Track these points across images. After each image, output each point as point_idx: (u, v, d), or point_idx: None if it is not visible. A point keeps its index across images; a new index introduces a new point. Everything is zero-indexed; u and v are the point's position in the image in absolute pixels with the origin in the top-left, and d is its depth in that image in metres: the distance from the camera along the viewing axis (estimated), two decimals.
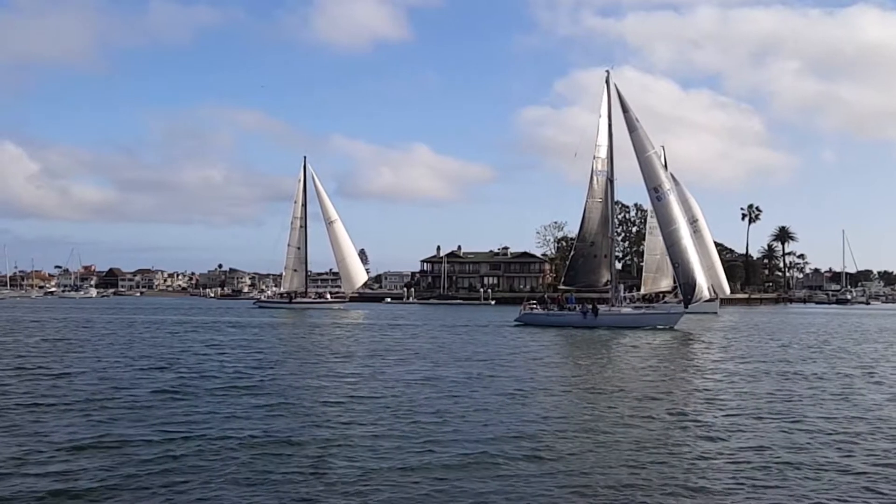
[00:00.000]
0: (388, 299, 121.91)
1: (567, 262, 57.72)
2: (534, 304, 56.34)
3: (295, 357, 29.37)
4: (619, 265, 72.69)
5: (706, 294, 49.64)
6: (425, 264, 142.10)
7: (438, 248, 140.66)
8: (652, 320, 49.08)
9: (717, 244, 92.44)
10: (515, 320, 53.12)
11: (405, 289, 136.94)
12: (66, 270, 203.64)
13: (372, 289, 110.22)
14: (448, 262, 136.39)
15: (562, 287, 55.64)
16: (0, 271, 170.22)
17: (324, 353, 31.22)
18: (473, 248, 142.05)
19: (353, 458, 12.01)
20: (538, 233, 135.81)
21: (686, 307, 48.56)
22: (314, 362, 27.17)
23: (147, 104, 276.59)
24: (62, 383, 20.81)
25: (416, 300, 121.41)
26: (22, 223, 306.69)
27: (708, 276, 50.48)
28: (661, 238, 52.53)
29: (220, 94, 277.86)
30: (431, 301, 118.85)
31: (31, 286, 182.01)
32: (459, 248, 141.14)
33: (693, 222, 67.93)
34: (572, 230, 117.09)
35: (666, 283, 66.69)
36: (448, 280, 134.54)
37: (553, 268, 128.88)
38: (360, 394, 19.07)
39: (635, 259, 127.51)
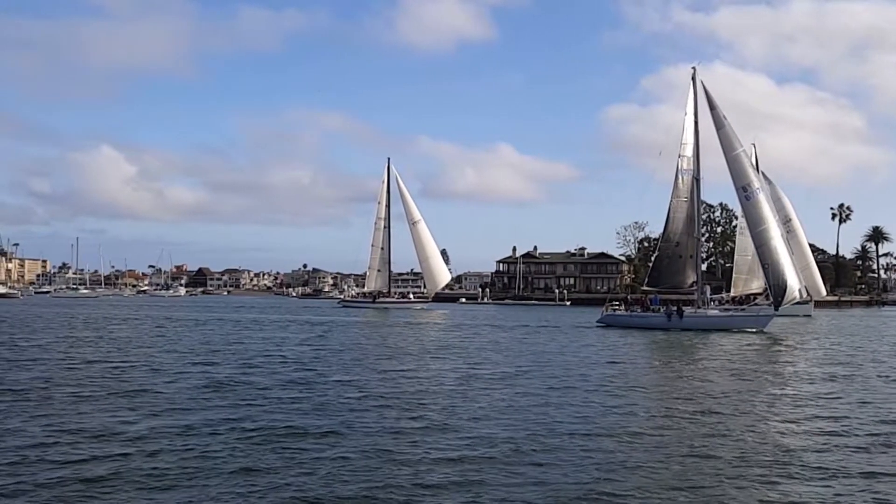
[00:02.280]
0: (463, 299, 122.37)
1: (650, 263, 56.91)
2: (616, 305, 55.74)
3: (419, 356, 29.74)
4: (703, 266, 70.97)
5: (797, 295, 47.93)
6: (500, 265, 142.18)
7: (514, 248, 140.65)
8: (740, 323, 47.71)
9: (810, 245, 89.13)
10: (597, 321, 52.57)
11: (480, 289, 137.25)
12: (159, 270, 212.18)
13: (452, 289, 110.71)
14: (524, 263, 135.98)
15: (645, 288, 54.78)
16: (97, 270, 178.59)
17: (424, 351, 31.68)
18: (550, 248, 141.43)
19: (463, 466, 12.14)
20: (618, 233, 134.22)
21: (776, 309, 47.05)
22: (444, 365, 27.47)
23: (237, 108, 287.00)
24: (115, 373, 22.54)
25: (490, 301, 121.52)
26: (119, 224, 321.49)
27: (801, 278, 48.77)
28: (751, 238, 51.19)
29: (308, 97, 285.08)
30: (506, 302, 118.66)
31: (125, 285, 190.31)
32: (535, 248, 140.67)
33: (786, 222, 65.93)
34: (654, 230, 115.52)
35: (757, 285, 64.72)
36: (523, 281, 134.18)
37: (632, 269, 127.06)
38: (470, 393, 19.39)
39: (720, 260, 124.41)
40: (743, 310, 51.52)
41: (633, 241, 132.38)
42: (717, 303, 55.27)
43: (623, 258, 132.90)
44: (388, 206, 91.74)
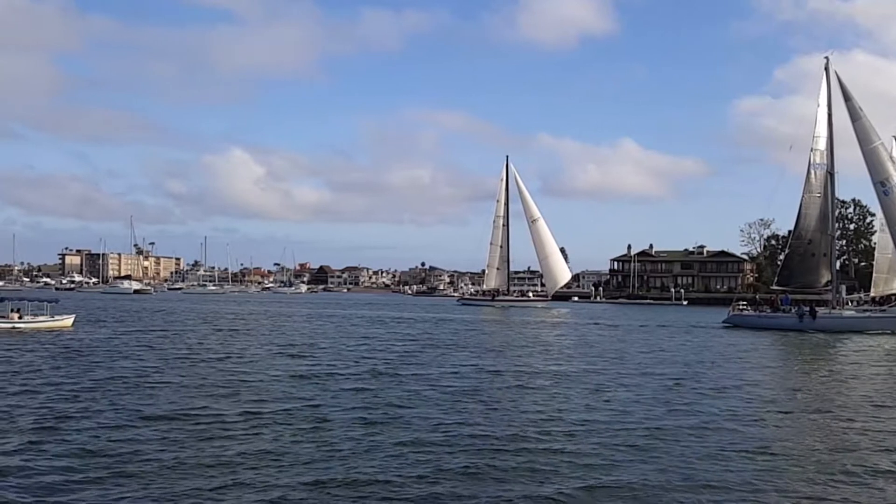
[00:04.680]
0: (575, 298, 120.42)
1: (778, 262, 54.21)
2: (744, 305, 53.45)
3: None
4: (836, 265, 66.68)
5: None
6: (615, 263, 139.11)
7: (629, 246, 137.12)
8: (877, 324, 44.58)
9: None
10: (723, 322, 50.67)
11: (593, 288, 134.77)
12: (283, 268, 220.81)
13: (569, 287, 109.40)
14: (639, 262, 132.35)
15: (775, 287, 52.37)
16: (226, 268, 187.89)
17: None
18: (668, 246, 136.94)
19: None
20: (742, 231, 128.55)
21: None
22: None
23: (359, 109, 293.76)
24: (218, 365, 23.62)
25: (604, 299, 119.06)
26: (248, 223, 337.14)
27: None
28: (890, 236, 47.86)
29: (428, 97, 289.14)
30: (620, 300, 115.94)
31: (251, 282, 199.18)
32: (651, 246, 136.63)
33: None
34: (781, 228, 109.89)
35: None
36: (638, 280, 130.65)
37: (755, 267, 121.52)
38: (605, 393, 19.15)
39: (853, 259, 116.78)
40: (883, 311, 48.08)
41: (758, 238, 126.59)
42: (854, 303, 51.86)
43: (746, 257, 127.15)
44: (506, 204, 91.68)
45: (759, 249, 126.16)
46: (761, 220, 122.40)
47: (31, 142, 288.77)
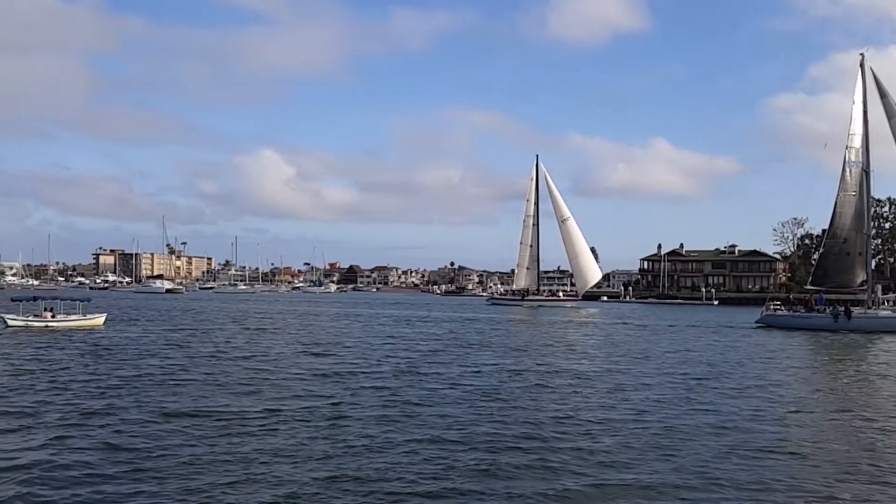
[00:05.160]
0: (605, 298, 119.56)
1: (813, 261, 53.45)
2: (777, 304, 52.80)
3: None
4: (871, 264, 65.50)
5: None
6: (644, 262, 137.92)
7: (659, 246, 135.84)
8: None
9: None
10: (756, 322, 50.15)
11: (622, 287, 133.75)
12: (313, 267, 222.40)
13: (599, 287, 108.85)
14: (669, 261, 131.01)
15: (809, 287, 51.61)
16: (256, 267, 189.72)
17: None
18: (698, 246, 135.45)
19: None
20: (775, 230, 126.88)
21: None
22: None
23: (388, 109, 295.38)
24: (243, 363, 24.05)
25: (633, 299, 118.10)
26: (278, 223, 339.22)
27: None
28: None
29: (458, 96, 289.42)
30: (650, 300, 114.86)
31: (281, 281, 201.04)
32: (681, 246, 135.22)
33: None
34: (815, 227, 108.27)
35: None
36: (668, 279, 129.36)
37: (787, 267, 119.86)
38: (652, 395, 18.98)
39: (889, 258, 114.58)
40: None
41: (791, 238, 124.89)
42: (891, 303, 50.92)
43: (778, 256, 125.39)
44: (536, 203, 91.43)
45: (792, 249, 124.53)
46: (794, 219, 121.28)
47: (65, 143, 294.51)
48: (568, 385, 20.19)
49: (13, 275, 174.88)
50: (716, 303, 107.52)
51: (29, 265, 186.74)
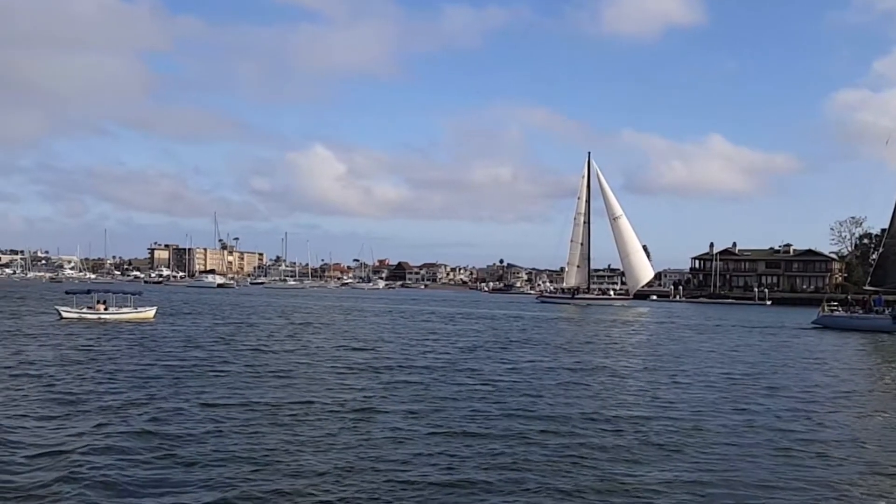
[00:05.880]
0: (654, 297, 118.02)
1: (872, 261, 52.05)
2: (834, 305, 51.66)
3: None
4: None
5: None
6: (696, 262, 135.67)
7: (711, 245, 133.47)
8: None
9: None
10: (813, 322, 49.19)
11: (672, 287, 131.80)
12: (362, 264, 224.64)
13: (651, 286, 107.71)
14: (721, 260, 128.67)
15: (867, 288, 50.29)
16: (307, 263, 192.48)
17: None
18: (752, 245, 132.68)
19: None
20: (832, 229, 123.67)
21: None
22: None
23: (440, 106, 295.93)
24: (284, 356, 24.42)
25: (683, 299, 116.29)
26: (329, 219, 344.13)
27: None
28: None
29: (509, 94, 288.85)
30: (701, 300, 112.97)
31: (330, 277, 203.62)
32: (734, 244, 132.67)
33: None
34: (873, 226, 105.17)
35: None
36: (720, 279, 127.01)
37: (844, 267, 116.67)
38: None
39: None
40: None
41: (848, 237, 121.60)
42: None
43: (834, 256, 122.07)
44: (587, 201, 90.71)
45: (849, 248, 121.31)
46: (852, 218, 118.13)
47: (123, 139, 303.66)
48: (601, 383, 20.16)
49: (71, 268, 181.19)
50: (768, 303, 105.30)
51: (86, 259, 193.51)
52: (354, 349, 27.82)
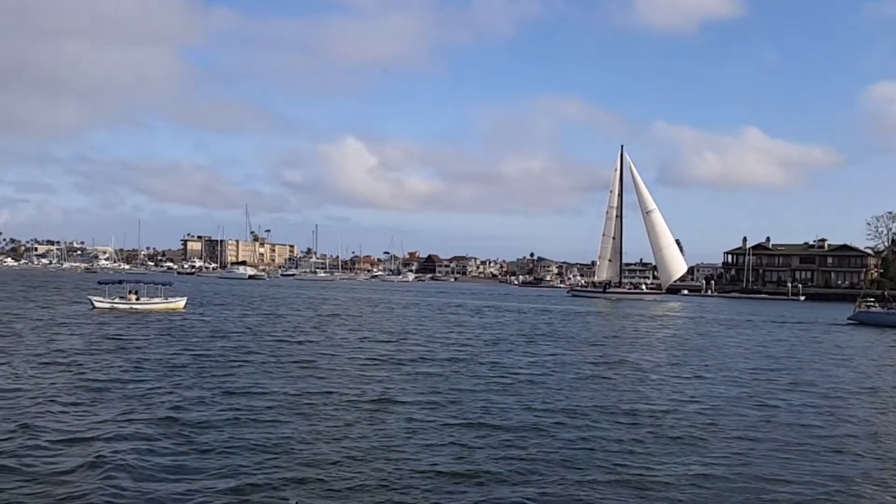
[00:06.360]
0: (685, 291, 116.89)
1: None
2: (871, 301, 50.85)
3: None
4: None
5: None
6: (728, 256, 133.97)
7: (744, 239, 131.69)
8: None
9: None
10: (849, 318, 48.63)
11: (704, 281, 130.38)
12: (392, 256, 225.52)
13: (683, 280, 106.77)
14: (754, 255, 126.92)
15: None
16: (337, 256, 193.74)
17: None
18: (786, 239, 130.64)
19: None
20: (868, 224, 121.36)
21: None
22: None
23: (472, 98, 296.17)
24: (308, 347, 24.65)
25: (715, 293, 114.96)
26: (360, 212, 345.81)
27: None
28: None
29: (542, 85, 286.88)
30: (732, 295, 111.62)
31: (360, 270, 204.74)
32: (768, 239, 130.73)
33: None
34: None
35: None
36: (753, 273, 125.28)
37: (880, 262, 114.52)
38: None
39: None
40: None
41: (885, 232, 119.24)
42: None
43: (870, 251, 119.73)
44: (620, 194, 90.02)
45: (886, 244, 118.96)
46: (889, 212, 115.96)
47: (157, 131, 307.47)
48: (622, 377, 20.11)
49: (106, 259, 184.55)
50: (802, 298, 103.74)
51: (121, 250, 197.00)
52: (379, 341, 28.04)
